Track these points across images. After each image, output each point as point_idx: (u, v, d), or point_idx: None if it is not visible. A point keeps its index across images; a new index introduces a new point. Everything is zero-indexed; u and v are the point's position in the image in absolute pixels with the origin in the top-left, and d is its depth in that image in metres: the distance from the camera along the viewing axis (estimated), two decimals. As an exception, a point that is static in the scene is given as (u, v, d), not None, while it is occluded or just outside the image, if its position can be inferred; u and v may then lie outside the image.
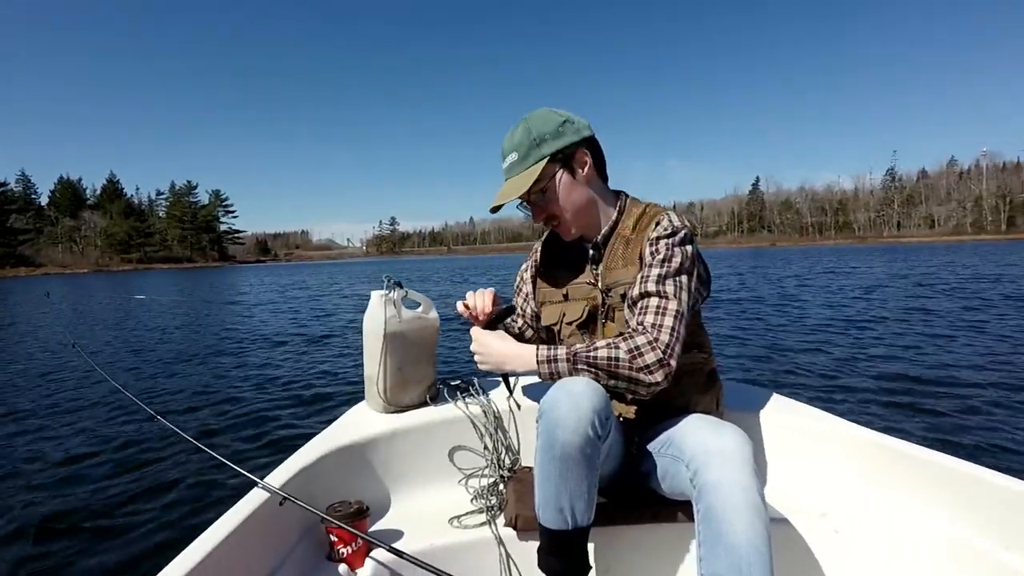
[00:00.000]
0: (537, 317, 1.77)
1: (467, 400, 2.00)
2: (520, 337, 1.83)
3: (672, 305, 1.37)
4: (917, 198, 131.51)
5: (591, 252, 1.60)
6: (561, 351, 1.38)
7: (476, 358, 1.55)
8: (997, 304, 11.27)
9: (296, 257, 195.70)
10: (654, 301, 1.38)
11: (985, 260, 28.77)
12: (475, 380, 2.13)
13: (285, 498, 1.38)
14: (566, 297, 1.63)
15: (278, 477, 1.55)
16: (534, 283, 1.78)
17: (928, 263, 26.80)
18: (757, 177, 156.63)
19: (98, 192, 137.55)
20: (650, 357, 1.32)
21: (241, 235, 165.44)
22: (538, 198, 1.53)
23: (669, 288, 1.39)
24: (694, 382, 1.55)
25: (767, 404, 1.92)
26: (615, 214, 1.57)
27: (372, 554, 1.53)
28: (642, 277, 1.43)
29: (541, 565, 1.41)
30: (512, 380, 1.83)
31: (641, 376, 1.33)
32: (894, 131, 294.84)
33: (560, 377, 1.36)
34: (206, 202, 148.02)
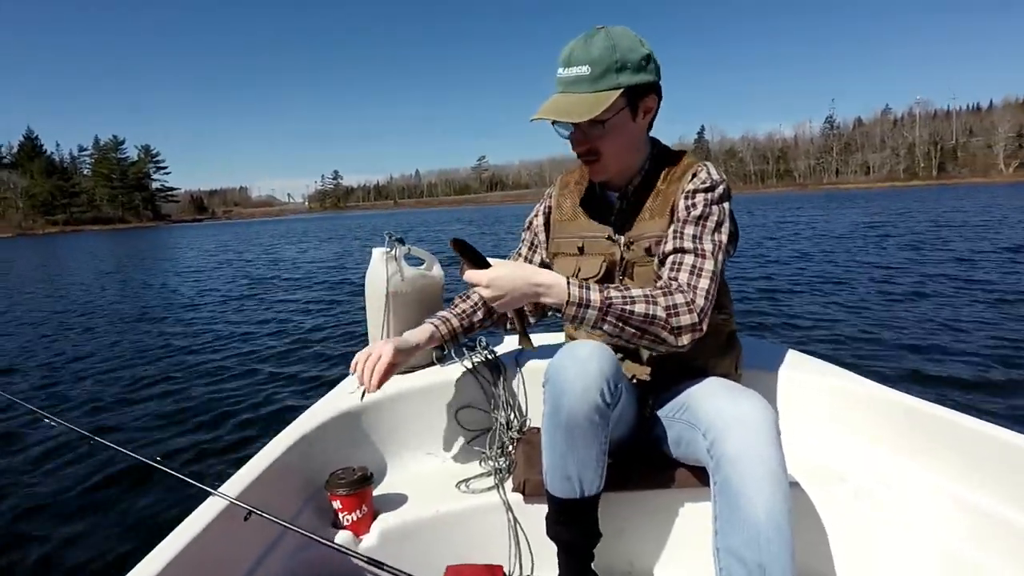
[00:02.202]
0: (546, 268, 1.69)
1: (475, 359, 1.94)
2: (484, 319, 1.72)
3: (708, 265, 1.29)
4: (854, 146, 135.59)
5: (617, 201, 1.49)
6: (595, 296, 1.22)
7: (494, 303, 1.27)
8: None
9: (235, 215, 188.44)
10: (689, 259, 1.30)
11: (933, 203, 29.89)
12: (482, 338, 2.07)
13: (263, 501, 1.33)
14: (581, 251, 1.52)
15: (280, 444, 1.49)
16: (547, 231, 1.66)
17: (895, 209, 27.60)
18: (702, 126, 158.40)
19: (15, 150, 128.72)
20: (685, 319, 1.24)
21: (175, 192, 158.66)
22: (589, 127, 1.34)
23: (707, 246, 1.31)
24: (713, 344, 1.45)
25: (784, 361, 1.85)
26: (648, 162, 1.47)
27: (377, 521, 1.49)
28: (675, 232, 1.34)
29: (549, 533, 1.37)
30: (527, 320, 1.61)
31: (669, 338, 1.25)
32: (832, 80, 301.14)
33: (582, 324, 1.25)
34: (135, 158, 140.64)
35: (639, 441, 1.53)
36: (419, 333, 1.60)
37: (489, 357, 1.95)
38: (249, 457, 1.46)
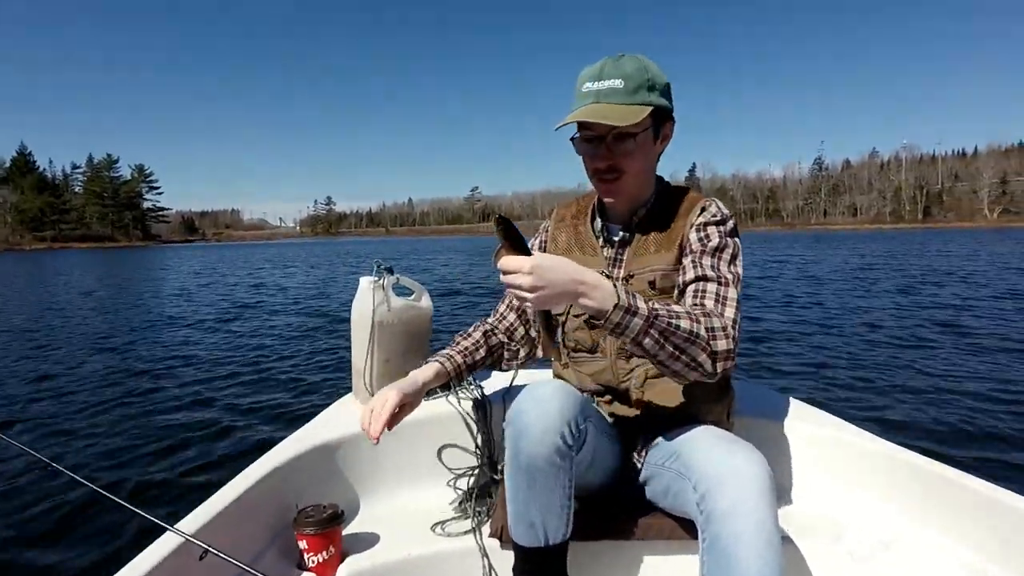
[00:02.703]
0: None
1: (461, 394, 1.88)
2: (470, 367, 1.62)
3: (732, 293, 1.26)
4: (842, 187, 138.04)
5: (621, 234, 1.44)
6: (642, 303, 1.10)
7: (532, 294, 1.06)
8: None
9: (226, 237, 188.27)
10: (712, 287, 1.25)
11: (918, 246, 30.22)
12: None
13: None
14: None
15: (248, 478, 1.43)
16: None
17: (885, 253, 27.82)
18: (694, 163, 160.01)
19: (7, 165, 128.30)
20: (722, 344, 1.16)
21: (166, 213, 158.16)
22: (616, 142, 1.31)
23: (728, 275, 1.28)
24: (708, 387, 1.38)
25: (777, 408, 1.80)
26: (654, 196, 1.44)
27: (345, 563, 1.41)
28: (693, 262, 1.30)
29: None
30: (559, 326, 1.47)
31: (707, 362, 1.15)
32: (822, 122, 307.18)
33: (624, 333, 1.10)
34: (128, 177, 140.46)
35: (625, 488, 1.47)
36: (426, 371, 1.51)
37: (476, 393, 1.89)
38: (214, 491, 1.39)
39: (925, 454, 1.48)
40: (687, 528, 1.34)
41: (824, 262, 21.40)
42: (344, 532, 1.50)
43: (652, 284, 1.36)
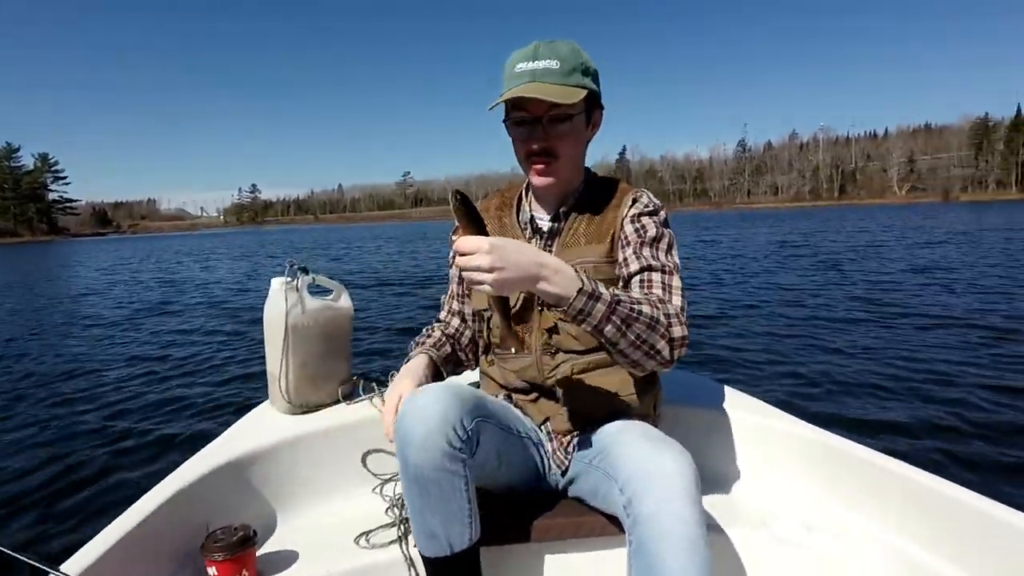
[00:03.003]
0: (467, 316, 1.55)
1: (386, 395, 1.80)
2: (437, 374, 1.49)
3: (676, 281, 1.26)
4: (764, 168, 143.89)
5: (549, 225, 1.39)
6: (603, 288, 1.07)
7: (490, 276, 0.98)
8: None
9: (142, 229, 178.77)
10: (657, 276, 1.25)
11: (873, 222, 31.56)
12: (394, 372, 1.93)
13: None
14: None
15: (149, 503, 1.31)
16: None
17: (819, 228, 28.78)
18: (624, 147, 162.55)
19: None
20: (678, 331, 1.14)
21: (75, 204, 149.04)
22: (551, 124, 1.27)
23: (670, 264, 1.28)
24: (634, 381, 1.37)
25: (705, 397, 1.80)
26: (582, 185, 1.41)
27: None
28: (635, 254, 1.28)
29: None
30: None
31: (665, 349, 1.13)
32: (746, 104, 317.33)
33: (586, 320, 1.06)
34: (31, 167, 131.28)
35: (552, 486, 1.44)
36: (421, 361, 1.45)
37: (404, 394, 1.82)
38: (109, 521, 1.27)
39: (848, 438, 1.50)
40: (617, 525, 1.29)
41: (749, 240, 22.16)
42: (260, 552, 1.40)
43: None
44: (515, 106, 1.27)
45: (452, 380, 1.46)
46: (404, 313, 8.36)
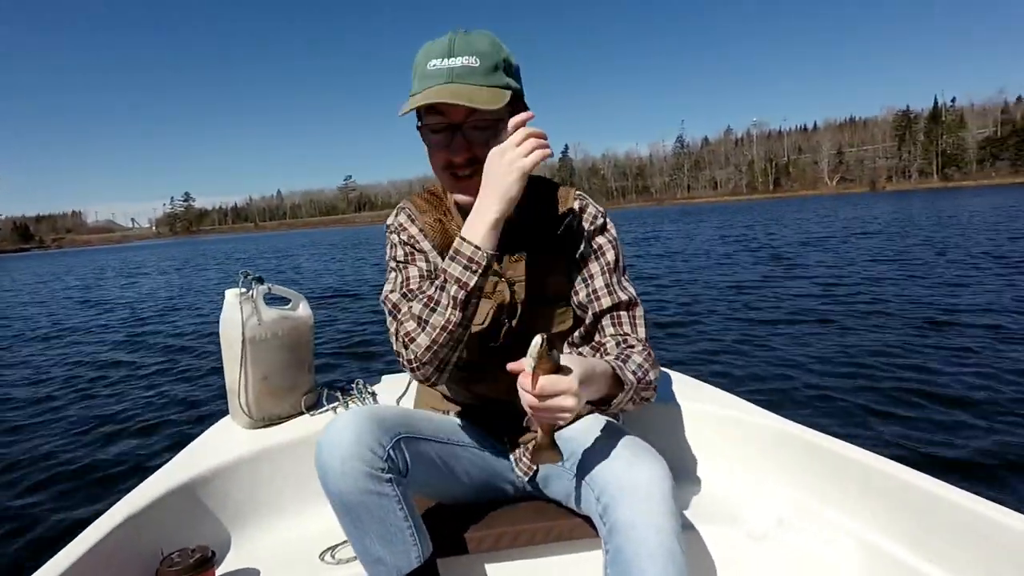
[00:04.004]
0: None
1: (352, 405, 1.77)
2: None
3: (639, 310, 1.27)
4: (703, 163, 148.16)
5: None
6: (629, 374, 1.13)
7: (571, 414, 0.98)
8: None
9: (68, 243, 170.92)
10: (625, 314, 1.27)
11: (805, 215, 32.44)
12: (361, 381, 1.90)
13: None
14: None
15: (99, 529, 1.25)
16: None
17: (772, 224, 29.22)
18: (566, 144, 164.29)
19: None
20: (653, 375, 1.19)
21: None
22: (475, 131, 1.12)
23: (631, 289, 1.28)
24: None
25: (670, 390, 1.77)
26: None
27: None
28: (607, 286, 1.26)
29: None
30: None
31: (650, 397, 1.21)
32: (682, 101, 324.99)
33: (612, 406, 1.14)
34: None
35: (518, 492, 1.39)
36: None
37: (368, 401, 1.79)
38: (58, 550, 1.20)
39: (817, 429, 1.50)
40: (591, 527, 1.26)
41: (695, 236, 22.56)
42: (221, 572, 1.35)
43: (539, 289, 1.28)
44: (431, 110, 1.12)
45: (376, 404, 1.41)
46: (366, 318, 8.24)
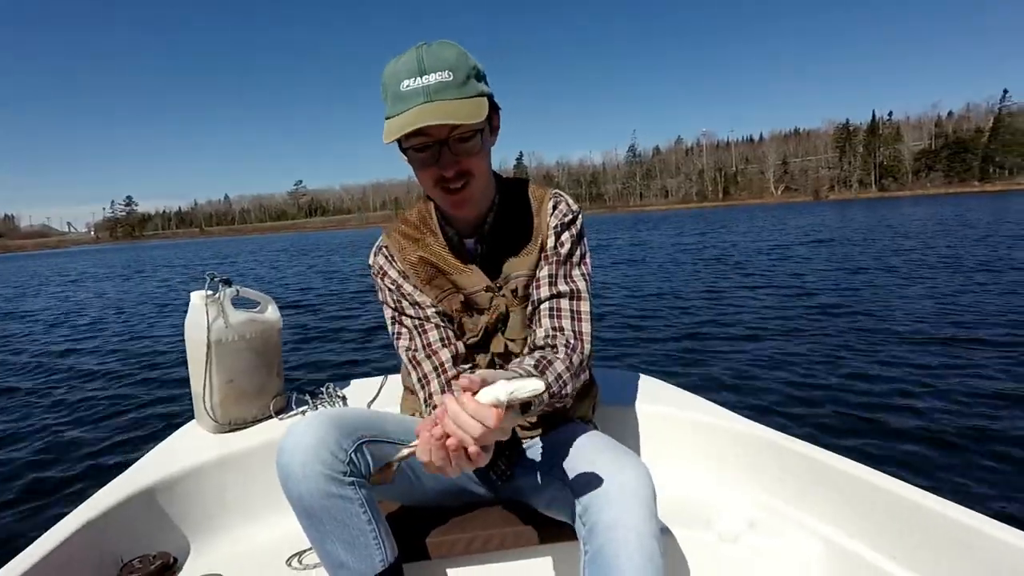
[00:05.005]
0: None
1: (321, 408, 1.75)
2: None
3: (585, 306, 1.24)
4: (654, 172, 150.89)
5: (476, 247, 1.28)
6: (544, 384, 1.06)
7: (480, 447, 0.87)
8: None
9: (0, 248, 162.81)
10: (567, 304, 1.23)
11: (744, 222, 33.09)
12: (331, 384, 1.88)
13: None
14: (467, 309, 1.30)
15: (55, 536, 1.21)
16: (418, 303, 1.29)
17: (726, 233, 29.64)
18: (520, 152, 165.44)
19: None
20: (572, 386, 1.14)
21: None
22: (460, 143, 1.12)
23: (580, 284, 1.25)
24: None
25: (641, 393, 1.78)
26: (497, 194, 1.29)
27: None
28: (550, 275, 1.25)
29: None
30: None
31: (569, 399, 1.16)
32: (634, 110, 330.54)
33: (529, 413, 1.09)
34: None
35: (491, 495, 1.39)
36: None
37: (338, 404, 1.77)
38: (11, 557, 1.16)
39: (782, 431, 1.51)
40: (567, 532, 1.25)
41: (650, 244, 22.92)
42: None
43: (515, 292, 1.28)
44: (413, 131, 1.10)
45: (343, 407, 1.39)
46: (337, 326, 8.12)
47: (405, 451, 0.95)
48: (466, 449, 0.86)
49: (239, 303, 1.71)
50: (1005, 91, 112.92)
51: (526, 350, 1.26)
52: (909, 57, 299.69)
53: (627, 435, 1.64)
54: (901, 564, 1.17)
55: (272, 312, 1.78)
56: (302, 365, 6.03)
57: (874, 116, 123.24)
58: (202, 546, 1.47)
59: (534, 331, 1.24)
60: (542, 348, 1.18)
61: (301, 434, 1.07)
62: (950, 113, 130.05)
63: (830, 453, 1.37)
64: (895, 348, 5.40)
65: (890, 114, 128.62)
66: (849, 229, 23.19)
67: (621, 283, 11.32)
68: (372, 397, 1.82)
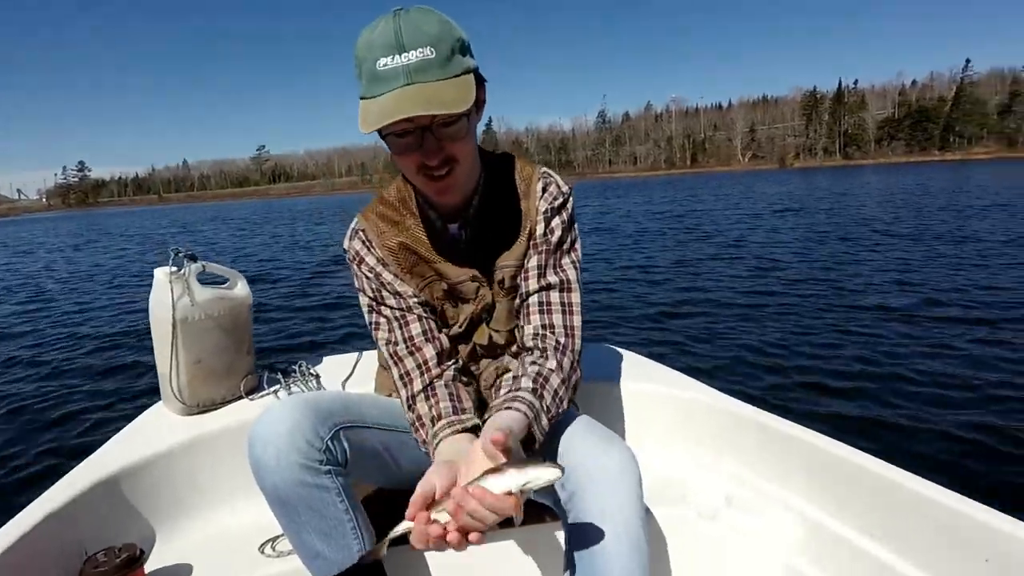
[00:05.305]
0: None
1: (294, 388, 1.69)
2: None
3: (576, 297, 1.17)
4: (623, 138, 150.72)
5: (460, 232, 1.19)
6: (545, 420, 1.02)
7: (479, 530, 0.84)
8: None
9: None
10: (556, 297, 1.15)
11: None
12: (303, 362, 1.82)
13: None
14: (451, 298, 1.22)
15: (13, 531, 1.15)
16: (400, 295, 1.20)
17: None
18: (490, 117, 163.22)
19: None
20: (568, 398, 1.10)
21: None
22: (445, 127, 1.00)
23: (570, 274, 1.17)
24: None
25: (617, 368, 1.76)
26: (482, 175, 1.18)
27: None
28: (539, 266, 1.17)
29: None
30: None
31: (573, 388, 1.14)
32: (604, 76, 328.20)
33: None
34: None
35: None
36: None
37: (312, 383, 1.71)
38: None
39: (758, 406, 1.52)
40: (548, 514, 1.25)
41: (620, 211, 22.95)
42: (152, 569, 1.27)
43: (502, 283, 1.20)
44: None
45: (317, 390, 1.35)
46: (310, 304, 7.84)
47: (400, 529, 0.88)
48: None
49: (205, 279, 1.63)
50: (967, 60, 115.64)
51: (514, 348, 1.21)
52: (877, 23, 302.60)
53: (605, 412, 1.62)
54: (879, 541, 1.18)
55: (241, 288, 1.70)
56: (273, 341, 5.86)
57: (840, 84, 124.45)
58: (170, 534, 1.42)
59: (522, 327, 1.17)
60: (530, 350, 1.13)
61: (274, 422, 1.02)
62: (914, 82, 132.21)
63: (808, 430, 1.37)
64: (866, 320, 5.50)
65: (855, 82, 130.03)
66: (814, 198, 23.58)
67: (594, 254, 11.29)
68: (347, 375, 1.76)
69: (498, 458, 0.85)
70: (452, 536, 0.82)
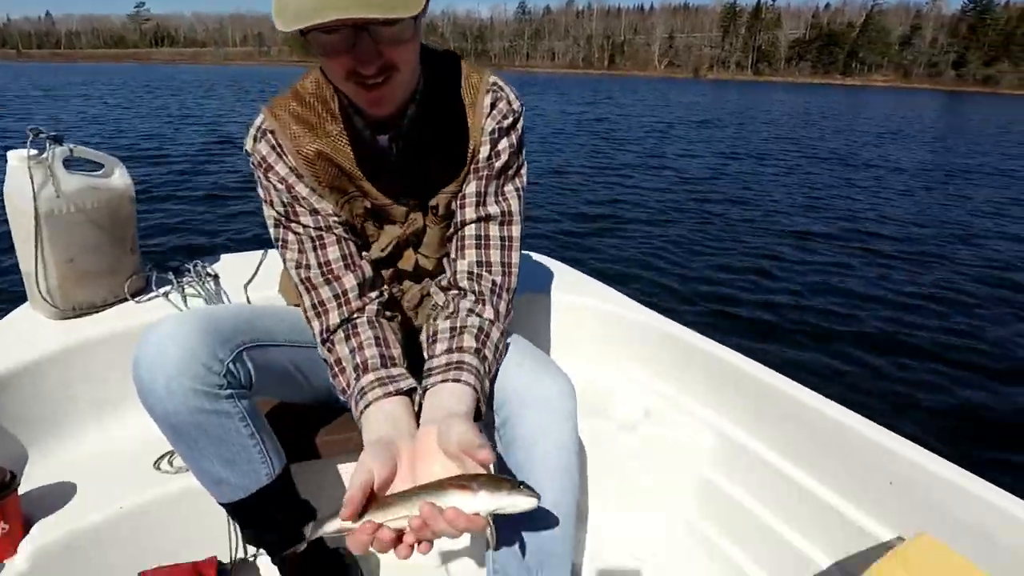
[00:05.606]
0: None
1: (188, 290, 1.53)
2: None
3: (516, 231, 1.05)
4: (543, 32, 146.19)
5: (391, 145, 1.01)
6: (487, 382, 0.95)
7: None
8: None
9: None
10: (495, 230, 1.03)
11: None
12: (199, 261, 1.63)
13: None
14: (374, 220, 1.08)
15: None
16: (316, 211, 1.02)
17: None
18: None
19: None
20: (511, 316, 1.04)
21: None
22: (382, 30, 0.81)
23: (513, 204, 1.05)
24: None
25: (545, 279, 1.73)
26: (421, 82, 1.00)
27: (29, 537, 1.08)
28: (478, 192, 1.03)
29: (246, 541, 1.14)
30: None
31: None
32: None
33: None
34: None
35: None
36: (392, 414, 0.89)
37: (210, 284, 1.55)
38: None
39: (682, 323, 1.54)
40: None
41: (538, 110, 22.38)
42: (27, 493, 1.13)
43: (435, 209, 1.06)
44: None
45: (216, 305, 1.26)
46: (202, 191, 7.15)
47: (331, 529, 0.74)
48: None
49: (75, 165, 1.39)
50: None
51: (445, 281, 1.07)
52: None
53: (531, 322, 1.60)
54: (790, 459, 1.24)
55: (120, 177, 1.47)
56: (161, 235, 5.27)
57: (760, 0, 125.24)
58: (47, 453, 1.27)
59: (454, 260, 1.04)
60: (464, 292, 1.02)
61: (163, 343, 0.87)
62: (827, 5, 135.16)
63: (727, 348, 1.41)
64: (775, 240, 5.77)
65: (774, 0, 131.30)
66: (726, 111, 24.10)
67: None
68: (249, 277, 1.60)
69: (465, 464, 0.76)
70: (403, 549, 0.72)
